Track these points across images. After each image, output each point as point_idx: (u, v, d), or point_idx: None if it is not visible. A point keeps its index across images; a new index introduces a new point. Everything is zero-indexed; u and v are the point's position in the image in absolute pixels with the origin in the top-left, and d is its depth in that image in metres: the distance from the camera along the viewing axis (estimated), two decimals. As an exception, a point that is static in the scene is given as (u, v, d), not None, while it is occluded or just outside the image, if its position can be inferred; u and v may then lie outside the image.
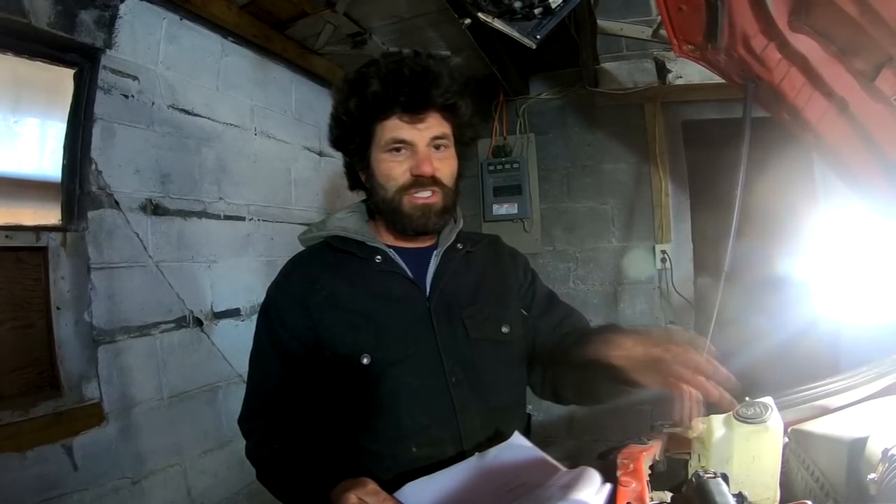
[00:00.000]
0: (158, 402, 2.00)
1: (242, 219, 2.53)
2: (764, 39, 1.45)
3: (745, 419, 1.19)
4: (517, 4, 1.72)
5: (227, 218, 2.44)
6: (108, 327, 1.85)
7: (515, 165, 3.61)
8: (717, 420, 1.17)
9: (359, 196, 1.36)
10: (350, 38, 2.79)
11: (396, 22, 2.72)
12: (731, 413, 1.18)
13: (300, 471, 1.12)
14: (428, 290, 1.24)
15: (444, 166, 1.21)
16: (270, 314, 1.23)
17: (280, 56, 2.73)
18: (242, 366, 2.35)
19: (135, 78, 2.00)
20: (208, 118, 2.35)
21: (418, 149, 1.18)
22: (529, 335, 1.34)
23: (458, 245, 1.32)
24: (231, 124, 2.48)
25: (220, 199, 2.39)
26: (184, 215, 2.21)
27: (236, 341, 2.40)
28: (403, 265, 1.25)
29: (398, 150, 1.18)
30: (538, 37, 1.76)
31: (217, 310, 2.34)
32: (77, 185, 1.82)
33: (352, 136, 1.22)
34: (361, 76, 1.17)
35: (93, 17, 1.82)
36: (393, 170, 1.19)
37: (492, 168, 3.60)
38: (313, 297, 1.19)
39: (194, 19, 2.25)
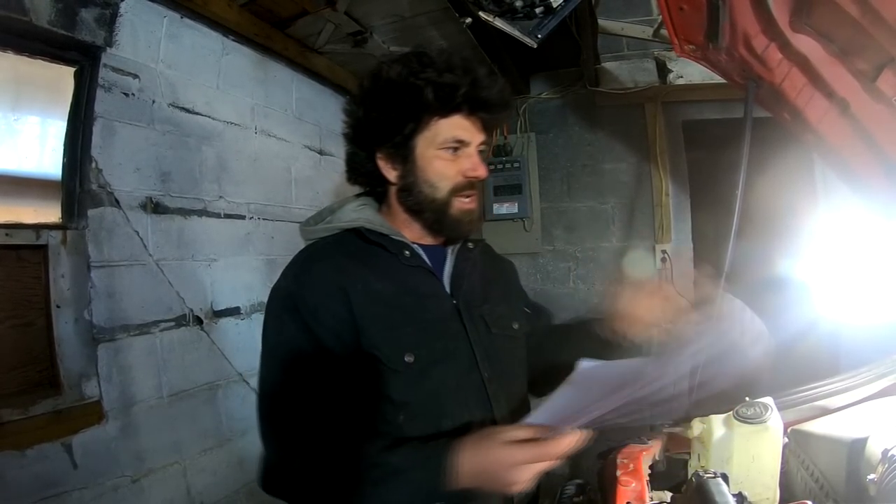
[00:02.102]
0: (158, 400, 2.00)
1: (243, 217, 2.53)
2: (765, 39, 1.45)
3: (744, 419, 1.19)
4: (518, 3, 1.72)
5: (228, 216, 2.43)
6: (107, 325, 1.85)
7: (516, 165, 3.61)
8: (717, 420, 1.17)
9: (352, 189, 1.32)
10: (351, 37, 2.79)
11: (397, 21, 2.71)
12: (730, 413, 1.19)
13: (398, 468, 0.98)
14: (448, 287, 1.22)
15: (485, 171, 1.20)
16: (299, 312, 1.08)
17: (281, 55, 2.72)
18: (243, 364, 2.36)
19: (135, 76, 1.99)
20: (209, 117, 2.35)
21: (471, 151, 1.17)
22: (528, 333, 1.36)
23: (469, 244, 1.30)
24: (231, 123, 2.47)
25: (221, 197, 2.39)
26: (184, 214, 2.20)
27: (236, 340, 2.40)
28: (429, 262, 1.21)
29: (455, 149, 1.15)
30: (539, 36, 1.77)
31: (217, 308, 2.33)
32: (77, 184, 1.82)
33: (399, 126, 1.14)
34: (429, 63, 1.12)
35: (93, 15, 1.82)
36: (448, 169, 1.15)
37: (492, 167, 3.61)
38: (352, 289, 1.10)
39: (195, 18, 2.24)
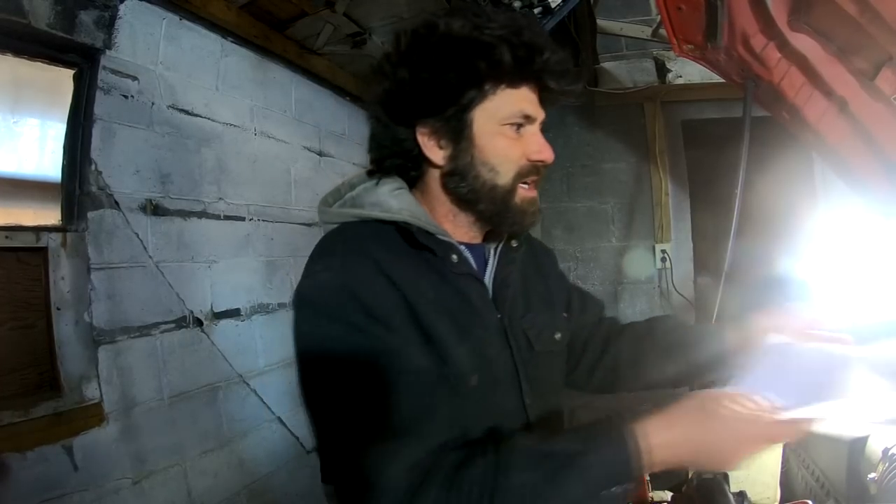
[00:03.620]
0: (159, 402, 2.00)
1: (242, 219, 2.53)
2: (763, 39, 1.46)
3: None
4: (517, 4, 1.72)
5: (227, 218, 2.43)
6: (108, 327, 1.85)
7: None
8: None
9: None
10: (350, 38, 2.79)
11: (396, 22, 2.72)
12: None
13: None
14: (491, 294, 1.02)
15: None
16: (367, 308, 0.84)
17: (280, 56, 2.73)
18: (243, 366, 2.37)
19: (134, 78, 1.99)
20: (208, 118, 2.35)
21: (535, 130, 0.96)
22: (573, 332, 1.20)
23: (513, 242, 1.09)
24: (231, 124, 2.48)
25: (220, 199, 2.39)
26: (184, 215, 2.20)
27: (237, 341, 2.40)
28: (476, 267, 1.01)
29: (519, 126, 0.95)
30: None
31: (217, 310, 2.33)
32: (77, 186, 1.82)
33: (456, 93, 0.92)
34: (497, 19, 0.91)
35: (92, 17, 1.82)
36: (512, 150, 0.94)
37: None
38: (410, 293, 0.89)
39: (194, 20, 2.24)
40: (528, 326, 1.04)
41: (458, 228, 1.00)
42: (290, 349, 2.55)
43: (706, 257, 3.47)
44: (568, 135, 3.71)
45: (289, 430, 2.66)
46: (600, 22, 2.92)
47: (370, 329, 0.83)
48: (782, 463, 1.18)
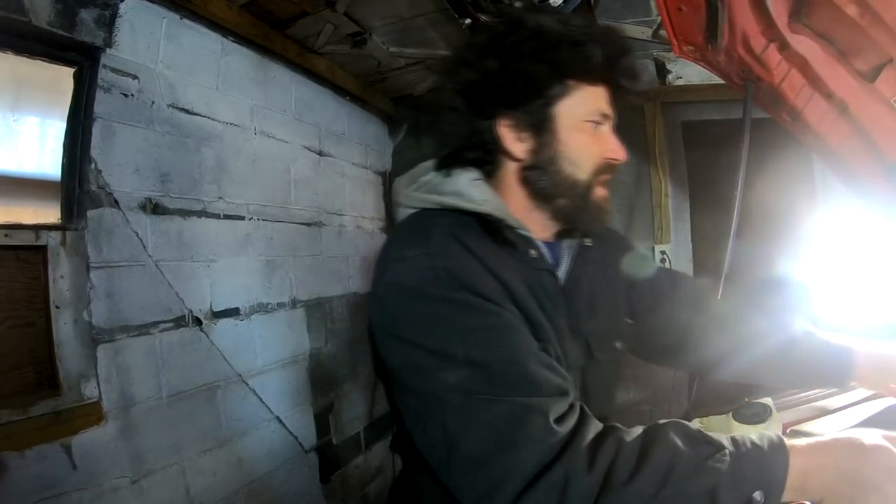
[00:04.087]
0: (157, 401, 2.00)
1: (242, 218, 2.53)
2: (764, 40, 1.45)
3: (744, 420, 1.20)
4: (518, 4, 1.72)
5: (227, 217, 2.43)
6: (107, 326, 1.85)
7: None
8: (717, 420, 1.17)
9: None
10: (350, 38, 2.79)
11: (396, 22, 2.72)
12: (730, 413, 1.19)
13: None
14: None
15: None
16: (480, 290, 0.82)
17: (280, 56, 2.73)
18: (242, 365, 2.37)
19: (135, 77, 1.99)
20: (208, 117, 2.35)
21: (608, 130, 0.98)
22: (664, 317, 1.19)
23: (587, 242, 1.07)
24: (231, 124, 2.48)
25: (220, 198, 2.39)
26: (183, 214, 2.20)
27: (236, 341, 2.40)
28: (553, 265, 1.00)
29: (597, 125, 0.96)
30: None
31: (216, 309, 2.33)
32: (76, 184, 1.81)
33: (544, 86, 0.93)
34: (582, 20, 0.95)
35: (93, 15, 1.82)
36: (593, 146, 0.95)
37: (491, 168, 3.59)
38: (509, 283, 0.87)
39: (194, 18, 2.24)
40: (589, 331, 1.02)
41: (534, 224, 0.98)
42: (289, 349, 2.55)
43: (706, 258, 3.46)
44: (568, 135, 3.70)
45: (287, 429, 2.66)
46: (600, 22, 2.92)
47: (484, 306, 0.81)
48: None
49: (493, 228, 0.93)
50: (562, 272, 1.01)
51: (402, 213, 1.01)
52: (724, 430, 1.16)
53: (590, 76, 0.94)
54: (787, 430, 1.24)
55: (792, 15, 1.36)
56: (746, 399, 1.27)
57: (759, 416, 1.23)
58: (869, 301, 1.46)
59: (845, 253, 1.60)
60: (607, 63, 0.93)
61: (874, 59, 1.26)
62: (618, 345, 1.08)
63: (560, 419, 0.73)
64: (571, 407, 0.77)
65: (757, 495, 0.68)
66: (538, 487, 0.69)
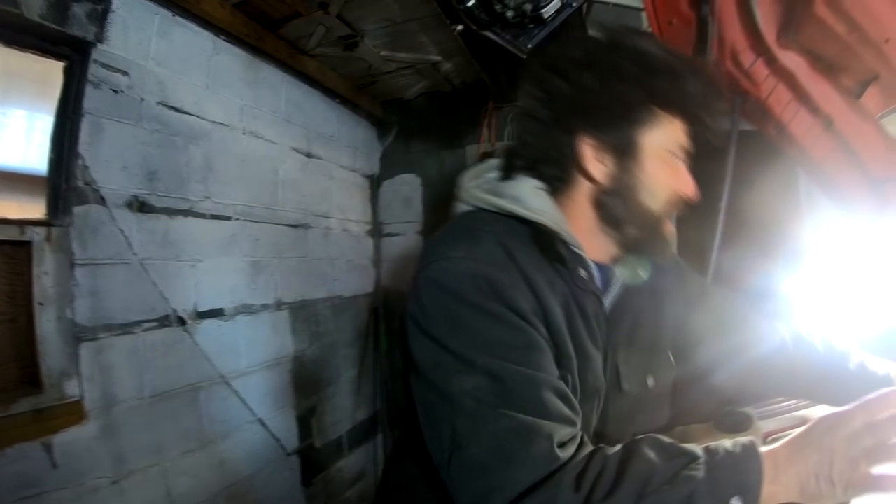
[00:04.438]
0: (140, 401, 1.97)
1: (228, 218, 2.51)
2: (752, 55, 1.48)
3: (725, 429, 1.21)
4: (510, 14, 1.74)
5: (214, 217, 2.42)
6: (90, 324, 1.83)
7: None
8: (698, 430, 1.18)
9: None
10: (342, 41, 2.80)
11: (389, 26, 2.73)
12: (711, 423, 1.20)
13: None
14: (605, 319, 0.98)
15: None
16: (512, 303, 0.82)
17: (271, 56, 2.72)
18: (225, 366, 2.35)
19: (125, 73, 1.98)
20: (197, 116, 2.33)
21: (683, 167, 0.96)
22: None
23: (641, 272, 1.04)
24: (220, 123, 2.46)
25: (207, 198, 2.38)
26: (170, 213, 2.19)
27: (219, 342, 2.39)
28: (601, 289, 0.97)
29: (677, 158, 0.95)
30: (529, 46, 1.78)
31: (201, 309, 2.31)
32: (63, 180, 1.79)
33: (634, 109, 0.91)
34: (680, 53, 0.92)
35: (85, 10, 1.81)
36: (671, 179, 0.93)
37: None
38: (547, 300, 0.86)
39: (187, 16, 2.23)
40: (622, 362, 0.99)
41: (593, 245, 0.96)
42: (273, 351, 2.54)
43: (691, 266, 3.49)
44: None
45: (270, 432, 2.64)
46: (591, 32, 2.95)
47: (515, 322, 0.81)
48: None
49: (545, 240, 0.91)
50: (609, 297, 0.99)
51: (459, 207, 1.00)
52: (706, 439, 1.17)
53: (680, 109, 0.92)
54: (769, 439, 1.26)
55: (781, 31, 1.38)
56: (728, 409, 1.29)
57: (740, 425, 1.24)
58: (853, 312, 1.49)
59: (830, 264, 1.63)
60: (699, 98, 0.92)
61: (860, 76, 1.29)
62: (649, 380, 1.04)
63: (562, 445, 0.75)
64: (574, 436, 0.78)
65: (734, 501, 0.68)
66: (526, 502, 0.71)
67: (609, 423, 0.98)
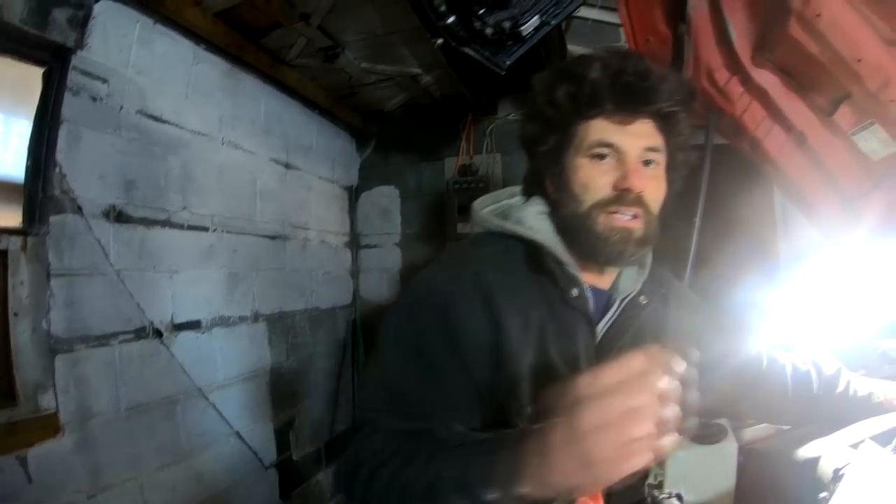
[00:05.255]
0: (116, 414, 1.94)
1: (206, 229, 2.49)
2: (727, 73, 1.52)
3: (700, 441, 1.23)
4: (489, 31, 1.76)
5: (191, 228, 2.40)
6: (66, 336, 1.80)
7: (482, 185, 3.64)
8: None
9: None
10: (323, 52, 2.80)
11: (370, 38, 2.74)
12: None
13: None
14: (598, 341, 1.00)
15: (653, 186, 0.96)
16: (447, 324, 0.88)
17: (252, 66, 2.72)
18: (202, 379, 2.33)
19: (104, 81, 1.96)
20: (176, 125, 2.32)
21: (627, 158, 0.94)
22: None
23: (642, 298, 1.05)
24: (199, 133, 2.45)
25: (185, 208, 2.36)
26: (147, 224, 2.16)
27: (196, 354, 2.36)
28: (593, 308, 0.98)
29: (602, 156, 0.94)
30: (507, 63, 1.80)
31: (177, 321, 2.29)
32: (40, 188, 1.77)
33: (548, 134, 0.98)
34: (577, 63, 0.96)
35: (66, 15, 1.79)
36: (594, 179, 0.94)
37: (458, 186, 3.63)
38: (512, 319, 0.90)
39: (168, 24, 2.22)
40: None
41: (587, 267, 0.99)
42: (250, 363, 2.52)
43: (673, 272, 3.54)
44: (532, 159, 3.76)
45: (247, 445, 2.61)
46: (570, 47, 2.98)
47: (439, 356, 0.88)
48: (737, 482, 1.21)
49: (536, 258, 0.96)
50: (607, 319, 1.01)
51: (475, 229, 1.07)
52: (681, 451, 1.18)
53: (580, 114, 0.95)
54: (744, 449, 1.27)
55: (755, 50, 1.43)
56: (702, 420, 1.30)
57: (714, 436, 1.26)
58: (826, 325, 1.52)
59: (804, 278, 1.67)
60: (586, 100, 0.94)
61: (833, 94, 1.33)
62: None
63: (387, 436, 0.85)
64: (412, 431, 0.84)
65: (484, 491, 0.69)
66: (347, 454, 0.88)
67: None
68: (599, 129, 0.94)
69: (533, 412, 0.88)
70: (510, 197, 1.09)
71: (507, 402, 0.88)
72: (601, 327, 1.00)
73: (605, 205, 0.93)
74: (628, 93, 0.92)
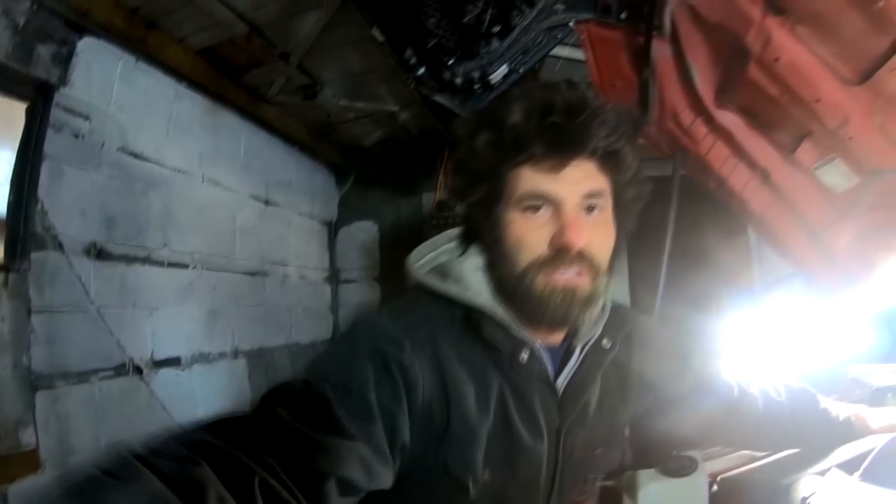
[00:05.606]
0: (96, 450, 1.89)
1: (186, 266, 2.49)
2: (692, 114, 1.58)
3: (670, 473, 1.24)
4: (458, 80, 1.81)
5: (171, 265, 2.40)
6: (46, 372, 1.78)
7: (458, 220, 3.67)
8: (645, 474, 1.21)
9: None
10: (302, 90, 2.85)
11: (348, 76, 2.81)
12: (658, 467, 1.23)
13: None
14: (560, 394, 0.91)
15: (598, 236, 0.83)
16: (389, 369, 0.78)
17: (232, 103, 2.75)
18: (182, 416, 2.28)
19: (86, 118, 1.98)
20: (157, 163, 2.33)
21: (564, 208, 0.81)
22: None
23: (604, 341, 0.93)
24: (179, 170, 2.47)
25: (165, 245, 2.36)
26: (127, 261, 2.16)
27: (176, 391, 2.33)
28: (550, 370, 0.89)
29: (535, 208, 0.81)
30: (477, 108, 1.86)
31: (157, 358, 2.27)
32: (22, 225, 1.76)
33: (475, 185, 0.86)
34: (499, 106, 0.85)
35: (50, 52, 1.82)
36: (527, 236, 0.82)
37: (435, 222, 3.66)
38: (462, 386, 0.82)
39: (150, 62, 2.25)
40: (568, 435, 0.92)
41: (536, 325, 0.86)
42: (230, 399, 2.48)
43: (644, 301, 3.59)
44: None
45: (227, 482, 2.56)
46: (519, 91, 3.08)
47: (367, 384, 0.76)
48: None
49: (477, 325, 0.84)
50: (566, 372, 0.91)
51: (411, 282, 0.95)
52: (652, 484, 1.19)
53: (507, 162, 0.83)
54: (718, 478, 1.29)
55: (718, 92, 1.49)
56: (674, 453, 1.31)
57: (685, 468, 1.26)
58: (796, 355, 1.56)
59: (776, 307, 1.71)
60: (508, 147, 0.81)
61: (795, 132, 1.39)
62: (598, 451, 0.98)
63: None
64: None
65: None
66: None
67: (572, 490, 0.96)
68: (528, 178, 0.82)
69: (490, 476, 0.83)
70: (448, 242, 0.97)
71: (454, 464, 0.82)
72: (563, 380, 0.90)
73: (542, 265, 0.81)
74: (556, 135, 0.79)
